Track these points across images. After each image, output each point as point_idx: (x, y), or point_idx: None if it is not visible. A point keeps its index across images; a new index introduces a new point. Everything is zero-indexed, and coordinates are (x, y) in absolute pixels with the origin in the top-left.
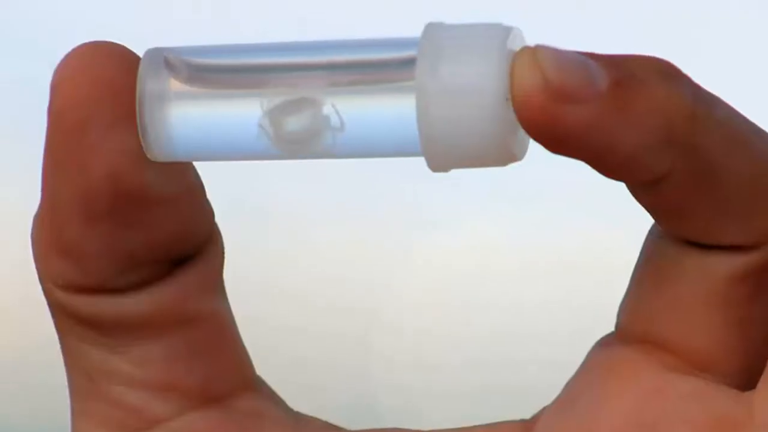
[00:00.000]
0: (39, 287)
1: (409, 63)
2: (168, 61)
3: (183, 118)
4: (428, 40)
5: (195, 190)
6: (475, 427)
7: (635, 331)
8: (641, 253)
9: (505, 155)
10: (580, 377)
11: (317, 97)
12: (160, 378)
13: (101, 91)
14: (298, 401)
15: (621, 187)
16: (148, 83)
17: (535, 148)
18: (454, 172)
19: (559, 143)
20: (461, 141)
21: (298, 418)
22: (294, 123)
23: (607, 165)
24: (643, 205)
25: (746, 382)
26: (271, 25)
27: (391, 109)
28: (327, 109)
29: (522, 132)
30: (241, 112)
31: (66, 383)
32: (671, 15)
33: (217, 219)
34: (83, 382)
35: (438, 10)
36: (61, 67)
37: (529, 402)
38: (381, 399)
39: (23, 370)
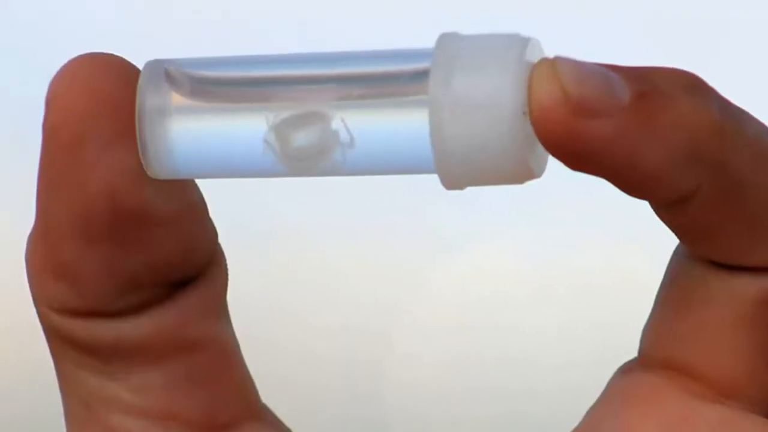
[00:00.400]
0: (33, 310)
1: (422, 75)
2: (169, 73)
3: (185, 134)
4: (442, 52)
5: (197, 208)
6: None
7: (659, 357)
8: (665, 274)
9: (523, 172)
10: (601, 405)
11: (326, 111)
12: (161, 406)
13: (99, 105)
14: (305, 431)
15: (645, 206)
16: (148, 97)
17: (554, 165)
18: (470, 190)
19: (579, 159)
20: (477, 157)
21: None
22: (301, 138)
23: (629, 182)
24: (667, 225)
25: None
26: (274, 34)
27: (403, 124)
28: (336, 123)
29: (540, 148)
30: (246, 127)
31: (62, 411)
32: (671, 15)
33: (221, 239)
34: (80, 409)
35: (438, 11)
36: (56, 80)
37: (549, 431)
38: (394, 428)
39: (16, 396)
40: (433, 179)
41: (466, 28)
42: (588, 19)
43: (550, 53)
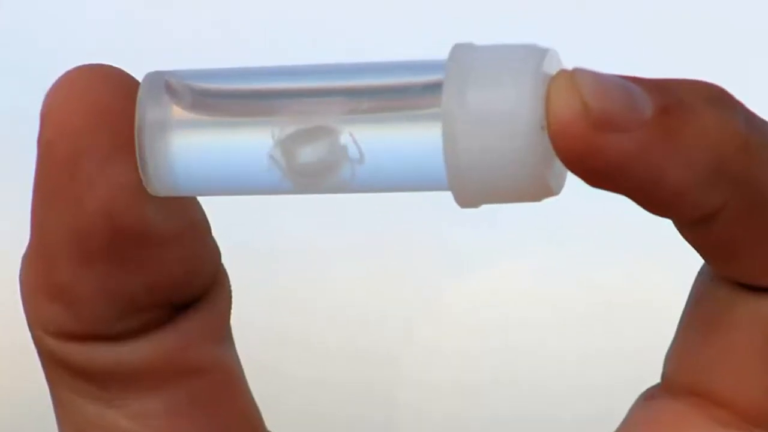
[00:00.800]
0: (28, 333)
1: (435, 88)
2: (170, 85)
3: (186, 149)
4: (456, 63)
5: (199, 227)
6: None
7: (683, 382)
8: (690, 296)
9: (541, 189)
10: None
11: (333, 126)
12: None
13: (96, 119)
14: None
15: (668, 224)
16: (148, 110)
17: (573, 181)
18: (485, 208)
19: (599, 176)
20: (492, 173)
21: None
22: (308, 154)
23: (652, 200)
24: (691, 244)
25: None
26: (279, 44)
27: (415, 139)
28: (344, 138)
29: (559, 163)
30: (250, 142)
31: None
32: (671, 15)
33: (224, 258)
34: None
35: (441, 13)
36: (51, 93)
37: None
38: None
39: (9, 424)
40: (447, 196)
41: (465, 29)
42: (587, 19)
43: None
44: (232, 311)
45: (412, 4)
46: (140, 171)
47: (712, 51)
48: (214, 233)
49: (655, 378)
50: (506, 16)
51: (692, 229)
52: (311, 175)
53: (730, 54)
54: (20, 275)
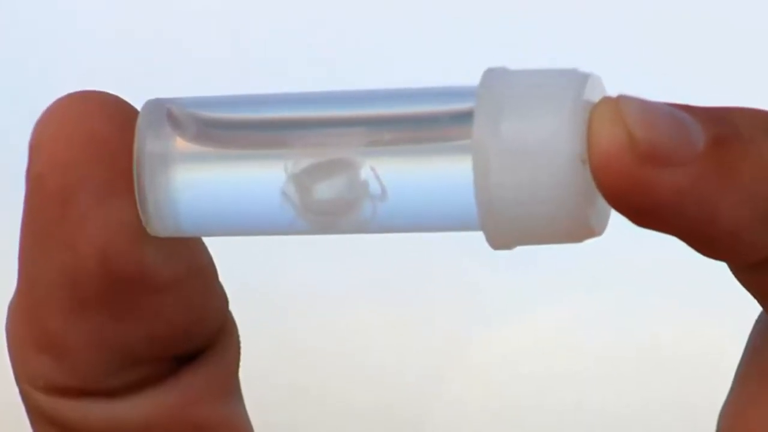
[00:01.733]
0: (15, 388)
1: (465, 117)
2: (172, 114)
3: (190, 184)
4: (488, 90)
5: (204, 271)
6: None
7: None
8: (746, 347)
9: (582, 229)
10: None
11: (353, 159)
12: None
13: (91, 151)
14: None
15: (722, 267)
16: (148, 142)
17: (617, 221)
18: (520, 250)
19: (647, 215)
20: (528, 211)
21: None
22: (325, 190)
23: (705, 241)
24: (748, 290)
25: None
26: (292, 68)
27: (443, 173)
28: (365, 173)
29: (601, 201)
30: (261, 177)
31: None
32: (671, 16)
33: (232, 305)
34: None
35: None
36: (42, 122)
37: None
38: None
39: None
40: (477, 237)
41: (466, 29)
42: (587, 19)
43: (555, 58)
44: (240, 364)
45: (442, 40)
46: (139, 209)
47: (711, 51)
48: (221, 277)
49: None
50: (507, 17)
51: (749, 273)
52: (328, 214)
53: (730, 54)
54: (6, 323)
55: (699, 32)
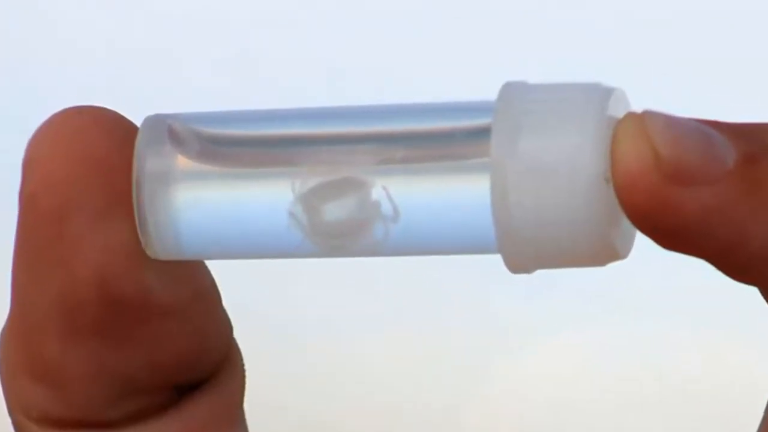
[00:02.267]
0: (7, 419)
1: (482, 134)
2: (173, 131)
3: (192, 205)
4: (506, 105)
5: (207, 296)
6: None
7: None
8: None
9: (605, 252)
10: None
11: (364, 178)
12: None
13: (87, 169)
14: None
15: (752, 291)
16: (148, 160)
17: (642, 242)
18: (540, 274)
19: (673, 236)
20: (548, 234)
21: None
22: (334, 211)
23: (734, 264)
24: None
25: None
26: (300, 81)
27: (459, 193)
28: (376, 192)
29: (626, 222)
30: (267, 197)
31: None
32: (671, 15)
33: (236, 333)
34: None
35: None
36: (35, 139)
37: None
38: None
39: None
40: (495, 260)
41: (466, 30)
42: (586, 19)
43: (556, 61)
44: (245, 394)
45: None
46: (138, 230)
47: (711, 51)
48: (224, 302)
49: None
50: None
51: None
52: (337, 236)
53: (730, 54)
54: None
55: (699, 32)
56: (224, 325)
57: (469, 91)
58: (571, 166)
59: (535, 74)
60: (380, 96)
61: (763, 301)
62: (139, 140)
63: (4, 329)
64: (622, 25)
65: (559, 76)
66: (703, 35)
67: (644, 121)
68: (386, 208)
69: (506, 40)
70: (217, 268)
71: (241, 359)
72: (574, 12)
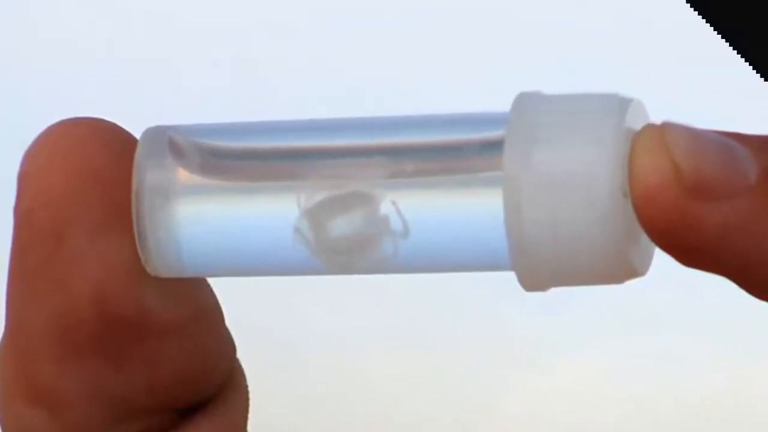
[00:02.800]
0: None
1: (495, 146)
2: (174, 143)
3: (194, 220)
4: (520, 116)
5: (209, 315)
6: None
7: None
8: None
9: (622, 268)
10: None
11: (372, 192)
12: None
13: (85, 182)
14: None
15: None
16: (148, 173)
17: (661, 259)
18: (554, 291)
19: (693, 253)
20: (564, 250)
21: None
22: (341, 226)
23: (756, 281)
24: None
25: None
26: (307, 91)
27: (471, 208)
28: (385, 207)
29: (644, 238)
30: (271, 212)
31: None
32: (671, 16)
33: (239, 352)
34: None
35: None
36: (31, 152)
37: None
38: None
39: None
40: (508, 275)
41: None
42: (586, 19)
43: (559, 63)
44: (249, 416)
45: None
46: (138, 246)
47: (711, 51)
48: (228, 322)
49: None
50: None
51: None
52: (345, 252)
53: (730, 54)
54: None
55: (699, 32)
56: (226, 344)
57: (470, 93)
58: (587, 180)
59: (535, 74)
60: (381, 99)
61: None
62: (139, 152)
63: None
64: (622, 25)
65: (558, 76)
66: (703, 35)
67: (664, 133)
68: (395, 223)
69: (506, 40)
70: (219, 283)
71: (245, 380)
72: (574, 12)
